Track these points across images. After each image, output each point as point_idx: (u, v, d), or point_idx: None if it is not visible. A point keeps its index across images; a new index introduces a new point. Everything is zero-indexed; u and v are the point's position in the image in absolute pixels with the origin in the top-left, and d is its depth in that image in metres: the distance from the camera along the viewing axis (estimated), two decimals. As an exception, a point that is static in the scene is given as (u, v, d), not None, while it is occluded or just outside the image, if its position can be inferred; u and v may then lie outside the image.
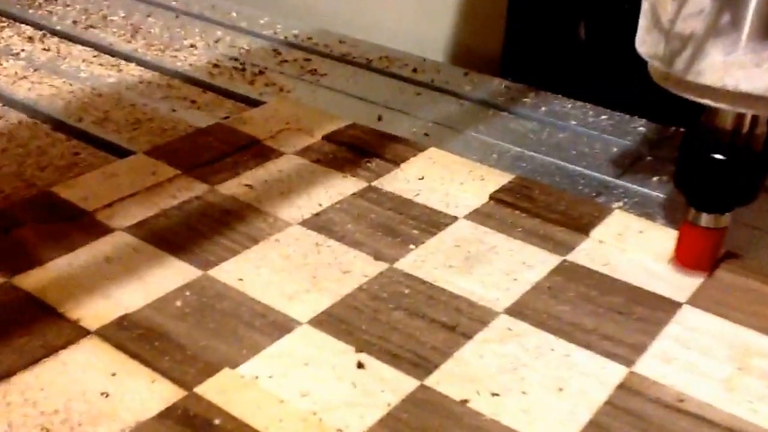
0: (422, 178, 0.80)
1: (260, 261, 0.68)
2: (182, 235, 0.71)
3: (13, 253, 0.68)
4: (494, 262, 0.69)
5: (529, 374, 0.58)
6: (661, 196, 0.81)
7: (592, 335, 0.62)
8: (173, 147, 0.83)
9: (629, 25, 0.64)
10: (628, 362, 0.60)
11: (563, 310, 0.64)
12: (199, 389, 0.55)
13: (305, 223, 0.73)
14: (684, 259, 0.70)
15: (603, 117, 0.96)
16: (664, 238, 0.73)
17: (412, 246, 0.71)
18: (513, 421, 0.54)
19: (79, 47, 1.11)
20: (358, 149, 0.84)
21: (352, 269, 0.68)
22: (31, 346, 0.58)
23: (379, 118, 0.93)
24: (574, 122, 0.95)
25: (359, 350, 0.59)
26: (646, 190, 0.82)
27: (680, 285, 0.67)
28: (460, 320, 0.63)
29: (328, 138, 0.86)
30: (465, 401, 0.56)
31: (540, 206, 0.76)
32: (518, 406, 0.56)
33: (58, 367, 0.57)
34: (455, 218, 0.74)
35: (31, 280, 0.65)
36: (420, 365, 0.59)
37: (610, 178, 0.84)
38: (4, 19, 1.19)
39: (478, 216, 0.75)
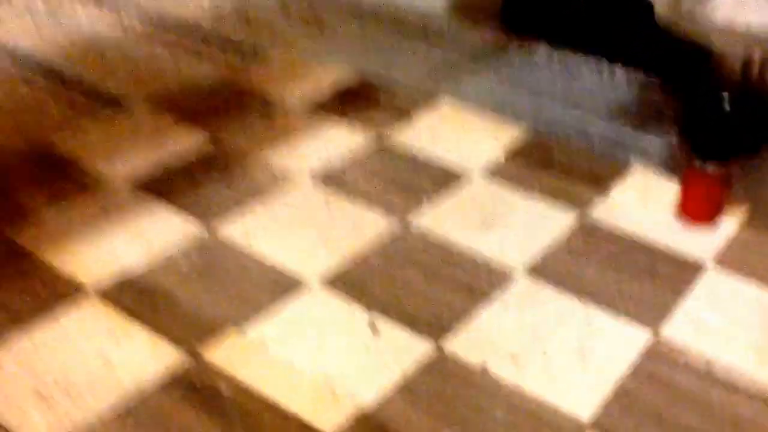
0: (433, 131, 0.75)
1: (267, 216, 0.63)
2: (184, 188, 0.65)
3: (9, 206, 0.62)
4: (512, 220, 0.64)
5: (551, 338, 0.53)
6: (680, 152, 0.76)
7: (615, 297, 0.57)
8: (176, 100, 0.77)
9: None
10: (654, 326, 0.55)
11: (585, 270, 0.59)
12: (205, 354, 0.50)
13: (315, 179, 0.67)
14: (688, 210, 0.65)
15: (615, 74, 0.90)
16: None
17: (425, 201, 0.65)
18: (535, 389, 0.50)
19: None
20: (366, 100, 0.79)
21: (364, 226, 0.62)
22: (25, 306, 0.53)
23: (387, 69, 0.87)
24: (588, 75, 0.89)
25: (373, 312, 0.54)
26: (664, 146, 0.77)
27: (704, 245, 0.62)
28: (477, 281, 0.58)
29: (335, 89, 0.80)
30: (484, 365, 0.51)
31: (557, 162, 0.71)
32: (540, 373, 0.51)
33: (54, 329, 0.52)
34: (470, 174, 0.69)
35: (25, 234, 0.59)
36: (436, 328, 0.54)
37: (627, 133, 0.78)
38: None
39: (494, 171, 0.70)
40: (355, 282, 0.57)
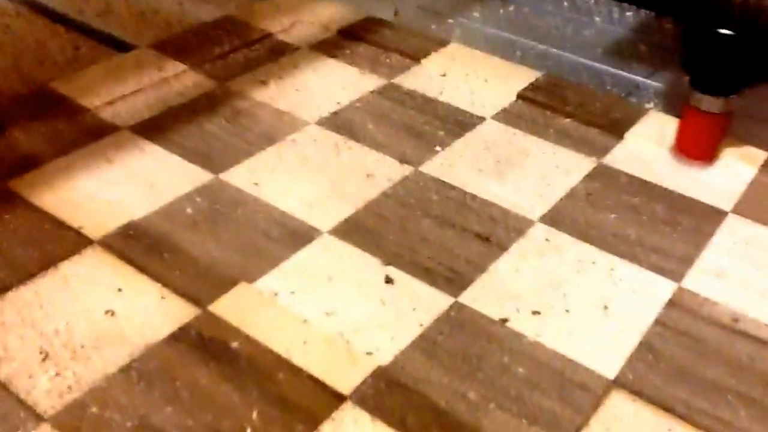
0: (444, 75, 0.70)
1: (276, 163, 0.58)
2: (191, 135, 0.61)
3: (8, 154, 0.58)
4: (526, 166, 0.60)
5: (572, 290, 0.50)
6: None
7: (636, 247, 0.53)
8: (179, 40, 0.72)
9: None
10: (677, 277, 0.51)
11: (603, 218, 0.55)
12: (213, 307, 0.47)
13: (323, 123, 0.63)
14: (685, 147, 0.61)
15: (628, 13, 0.85)
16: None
17: (438, 148, 0.61)
18: (557, 343, 0.46)
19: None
20: (377, 44, 0.74)
21: (376, 173, 0.58)
22: (28, 258, 0.49)
23: (395, 13, 0.82)
24: (598, 18, 0.84)
25: (387, 263, 0.51)
26: (678, 90, 0.72)
27: (723, 190, 0.58)
28: (494, 230, 0.54)
29: (343, 32, 0.75)
30: (504, 320, 0.47)
31: (571, 106, 0.67)
32: (561, 327, 0.47)
33: (58, 282, 0.48)
34: (482, 118, 0.65)
35: (27, 183, 0.55)
36: (453, 280, 0.50)
37: (640, 78, 0.74)
38: None
39: (507, 116, 0.65)
40: (368, 231, 0.53)
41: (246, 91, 0.66)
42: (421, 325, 0.47)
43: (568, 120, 0.65)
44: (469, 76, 0.70)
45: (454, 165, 0.59)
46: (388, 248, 0.52)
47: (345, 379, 0.43)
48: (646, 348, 0.46)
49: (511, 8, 0.85)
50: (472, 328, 0.47)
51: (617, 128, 0.64)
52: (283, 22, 0.77)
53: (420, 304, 0.48)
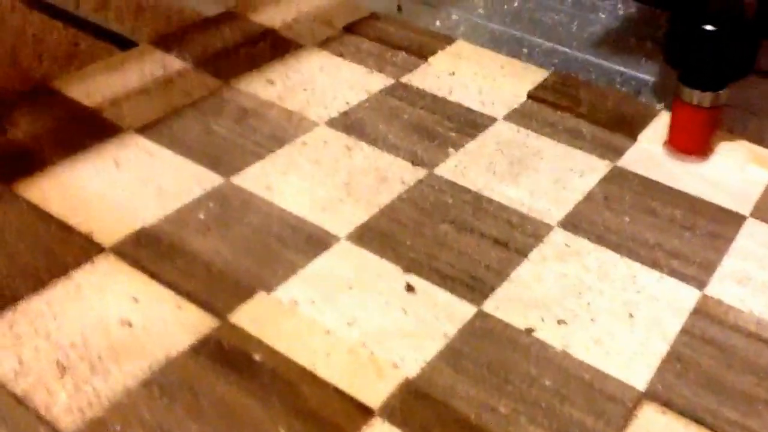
0: (453, 74, 0.69)
1: (288, 166, 0.57)
2: (199, 137, 0.59)
3: (11, 156, 0.57)
4: (541, 168, 0.59)
5: (595, 298, 0.49)
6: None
7: (656, 252, 0.53)
8: (182, 37, 0.71)
9: None
10: (700, 284, 0.51)
11: (621, 222, 0.55)
12: (232, 317, 0.46)
13: (333, 124, 0.62)
14: (677, 142, 0.61)
15: (632, 10, 0.85)
16: (716, 142, 0.63)
17: (451, 150, 0.60)
18: (585, 354, 0.45)
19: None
20: (382, 42, 0.73)
21: (389, 176, 0.57)
22: (38, 266, 0.48)
23: (399, 9, 0.81)
24: (603, 15, 0.84)
25: (407, 270, 0.50)
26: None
27: (740, 194, 0.58)
28: (512, 235, 0.53)
29: (349, 29, 0.74)
30: (530, 330, 0.47)
31: (582, 106, 0.66)
32: (588, 336, 0.47)
33: (71, 291, 0.47)
34: (494, 119, 0.64)
35: (33, 188, 0.54)
36: (475, 288, 0.49)
37: (648, 76, 0.73)
38: None
39: (518, 116, 0.64)
40: (385, 237, 0.52)
41: (252, 90, 0.65)
42: (446, 335, 0.46)
43: (580, 120, 0.64)
44: (477, 74, 0.69)
45: (468, 167, 0.59)
46: (406, 255, 0.51)
47: (372, 392, 0.42)
48: (674, 358, 0.46)
49: (516, 4, 0.85)
50: (497, 339, 0.46)
51: (630, 129, 0.64)
52: (286, 18, 0.75)
53: (443, 313, 0.47)
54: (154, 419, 0.40)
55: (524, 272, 0.50)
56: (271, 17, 0.75)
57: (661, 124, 0.64)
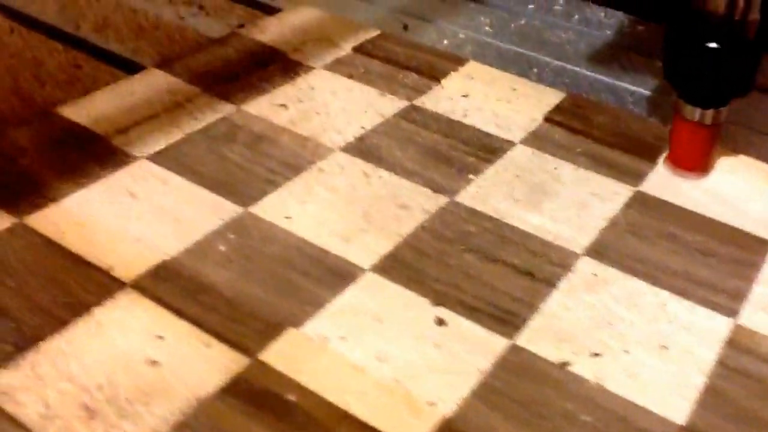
0: (466, 96, 0.69)
1: (306, 195, 0.57)
2: (212, 164, 0.59)
3: (21, 187, 0.56)
4: (561, 194, 0.59)
5: (627, 329, 0.49)
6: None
7: (683, 280, 0.53)
8: (188, 60, 0.70)
9: None
10: (731, 312, 0.51)
11: (647, 250, 0.55)
12: (262, 355, 0.45)
13: (348, 149, 0.62)
14: (677, 159, 0.62)
15: (640, 27, 0.85)
16: (736, 165, 0.63)
17: (471, 176, 0.60)
18: (620, 388, 0.45)
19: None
20: (391, 62, 0.73)
21: (410, 204, 0.57)
22: (58, 303, 0.47)
23: (405, 27, 0.81)
24: (610, 32, 0.84)
25: (436, 303, 0.49)
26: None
27: (762, 219, 0.58)
28: (537, 264, 0.53)
29: (358, 50, 0.74)
30: (564, 364, 0.46)
31: (599, 129, 0.66)
32: (622, 369, 0.46)
33: (93, 330, 0.46)
34: (511, 143, 0.64)
35: (46, 221, 0.53)
36: (505, 320, 0.49)
37: (661, 96, 0.73)
38: None
39: (536, 140, 0.64)
40: (410, 268, 0.52)
41: (264, 114, 0.64)
42: (479, 370, 0.46)
43: (598, 144, 0.65)
44: (490, 96, 0.69)
45: (489, 194, 0.59)
46: (433, 286, 0.51)
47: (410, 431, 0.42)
48: (711, 391, 0.46)
49: (522, 21, 0.85)
50: (532, 373, 0.46)
51: (649, 152, 0.64)
52: (292, 39, 0.75)
53: (475, 347, 0.47)
54: (190, 465, 0.39)
55: (553, 303, 0.50)
56: (276, 38, 0.75)
57: (678, 146, 0.64)
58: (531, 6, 0.88)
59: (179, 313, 0.47)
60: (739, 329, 0.49)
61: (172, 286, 0.49)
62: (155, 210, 0.54)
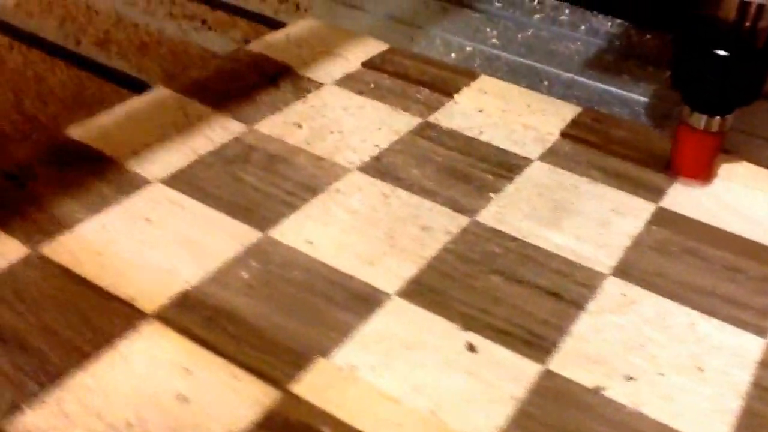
0: (481, 111, 0.69)
1: (325, 217, 0.57)
2: (228, 187, 0.58)
3: (32, 213, 0.55)
4: (582, 211, 0.59)
5: (660, 351, 0.49)
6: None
7: (711, 298, 0.53)
8: (197, 78, 0.70)
9: None
10: (761, 331, 0.51)
11: (673, 268, 0.55)
12: (294, 387, 0.45)
13: (365, 169, 0.61)
14: (682, 167, 0.62)
15: (648, 37, 0.85)
16: (757, 176, 0.63)
17: (491, 194, 0.60)
18: (657, 412, 0.45)
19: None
20: (402, 77, 0.72)
21: (432, 225, 0.57)
22: (81, 337, 0.47)
23: (411, 40, 0.80)
24: (618, 43, 0.84)
25: (465, 328, 0.49)
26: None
27: (786, 233, 0.58)
28: (564, 284, 0.53)
29: (367, 65, 0.73)
30: (599, 389, 0.46)
31: (617, 143, 0.66)
32: (658, 393, 0.46)
33: (118, 364, 0.45)
34: (529, 159, 0.64)
35: (62, 249, 0.52)
36: (536, 344, 0.49)
37: (672, 106, 0.73)
38: None
39: (553, 156, 0.64)
40: (436, 292, 0.52)
41: (277, 134, 0.64)
42: (513, 397, 0.45)
43: (616, 159, 0.64)
44: (505, 112, 0.69)
45: (510, 213, 0.58)
46: (460, 310, 0.50)
47: (449, 465, 0.41)
48: (750, 414, 0.45)
49: (529, 32, 0.85)
50: (566, 399, 0.45)
51: (667, 164, 0.64)
52: (300, 54, 0.75)
53: (507, 373, 0.47)
54: (228, 505, 0.39)
55: (583, 325, 0.50)
56: (284, 53, 0.74)
57: (696, 160, 0.64)
58: (537, 16, 0.88)
59: (205, 344, 0.47)
60: (770, 349, 0.49)
61: (196, 315, 0.48)
62: (173, 236, 0.54)
